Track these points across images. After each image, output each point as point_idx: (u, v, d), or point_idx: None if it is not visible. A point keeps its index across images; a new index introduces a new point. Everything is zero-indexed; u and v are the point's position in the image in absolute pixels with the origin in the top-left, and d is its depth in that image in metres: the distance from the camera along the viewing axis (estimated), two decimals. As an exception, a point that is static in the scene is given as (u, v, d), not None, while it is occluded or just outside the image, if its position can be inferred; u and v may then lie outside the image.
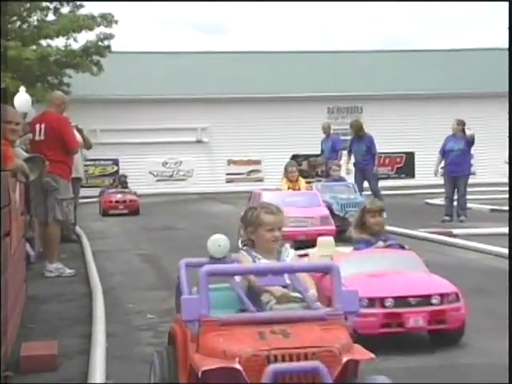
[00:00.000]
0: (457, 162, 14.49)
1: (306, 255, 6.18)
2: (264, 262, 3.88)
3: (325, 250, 6.08)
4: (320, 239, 6.41)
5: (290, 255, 4.02)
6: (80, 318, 6.37)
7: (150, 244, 11.82)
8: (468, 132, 14.48)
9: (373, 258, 5.75)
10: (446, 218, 14.28)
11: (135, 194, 18.58)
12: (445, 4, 61.09)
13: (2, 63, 18.92)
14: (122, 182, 19.39)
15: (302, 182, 12.16)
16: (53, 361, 4.85)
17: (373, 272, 5.51)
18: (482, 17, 65.68)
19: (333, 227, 10.27)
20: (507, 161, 15.66)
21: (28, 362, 4.75)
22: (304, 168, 15.90)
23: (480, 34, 61.91)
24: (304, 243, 8.55)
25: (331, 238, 6.52)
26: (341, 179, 13.33)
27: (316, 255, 6.09)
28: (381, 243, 5.97)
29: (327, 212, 10.75)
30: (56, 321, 6.32)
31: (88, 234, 12.25)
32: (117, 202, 17.59)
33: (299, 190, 11.84)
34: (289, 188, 11.90)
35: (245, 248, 4.09)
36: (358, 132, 15.07)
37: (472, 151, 14.93)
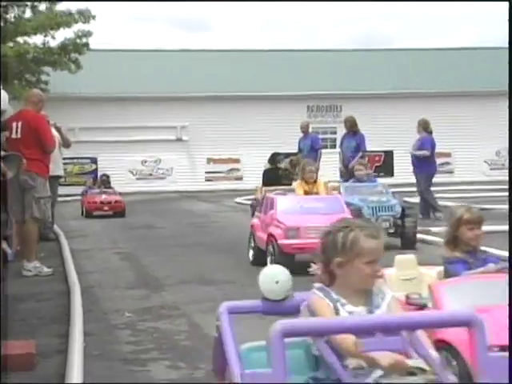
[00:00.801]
0: (414, 162, 14.68)
1: None
2: (361, 313, 2.77)
3: (406, 271, 5.01)
4: (399, 257, 5.22)
5: (386, 299, 2.85)
6: (58, 316, 6.32)
7: (129, 242, 11.77)
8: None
9: (487, 287, 4.31)
10: (419, 215, 14.39)
11: (120, 194, 17.74)
12: (425, 4, 61.42)
13: None
14: (104, 181, 18.57)
15: (321, 183, 10.10)
16: (30, 360, 4.81)
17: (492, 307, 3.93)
18: (461, 16, 66.11)
19: None
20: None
21: (5, 361, 4.70)
22: (285, 167, 15.76)
23: (459, 33, 62.30)
24: None
25: (413, 256, 5.31)
26: (369, 179, 11.93)
27: (394, 278, 4.90)
28: (492, 265, 4.61)
29: None
30: (33, 320, 6.27)
31: (66, 233, 12.18)
32: (101, 202, 16.70)
33: (317, 193, 9.79)
34: (306, 192, 9.82)
35: (318, 286, 2.89)
36: (353, 127, 15.07)
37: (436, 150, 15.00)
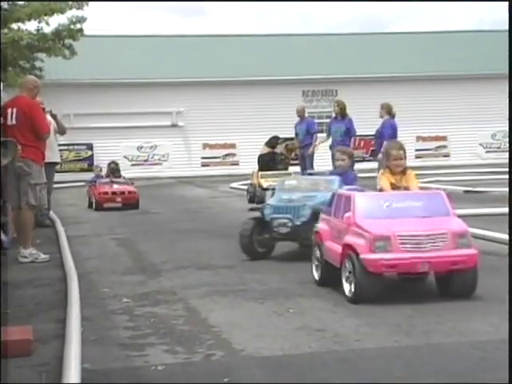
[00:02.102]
0: (375, 146, 14.66)
1: None
2: None
3: None
4: None
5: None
6: (55, 302, 6.33)
7: (126, 228, 11.78)
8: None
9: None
10: None
11: (132, 183, 15.85)
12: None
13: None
14: (113, 169, 16.65)
15: (412, 175, 7.11)
16: (28, 346, 4.82)
17: None
18: (457, 0, 65.78)
19: (474, 251, 6.17)
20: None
21: (3, 347, 4.71)
22: (281, 151, 15.75)
23: (455, 16, 62.10)
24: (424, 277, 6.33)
25: None
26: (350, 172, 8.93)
27: None
28: None
29: (464, 226, 6.31)
30: (31, 306, 6.28)
31: (62, 219, 12.18)
32: (113, 193, 14.87)
33: (407, 188, 6.97)
34: (392, 186, 6.99)
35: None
36: (343, 111, 15.09)
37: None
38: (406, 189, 6.88)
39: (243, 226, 8.48)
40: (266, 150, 16.07)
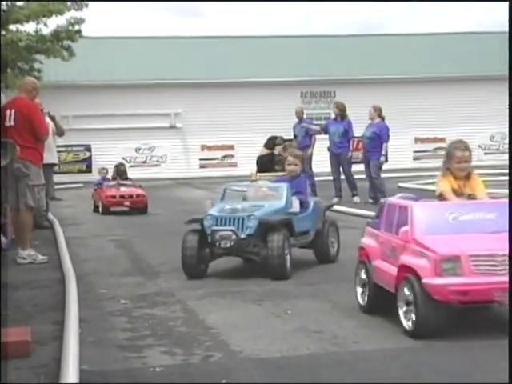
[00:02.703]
0: (367, 148, 14.59)
1: None
2: None
3: None
4: None
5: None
6: (53, 304, 6.34)
7: (124, 230, 11.77)
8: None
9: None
10: (370, 200, 14.38)
11: (140, 186, 14.97)
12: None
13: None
14: (120, 171, 15.59)
15: (478, 179, 6.01)
16: (26, 347, 4.82)
17: None
18: (456, 2, 65.85)
19: None
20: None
21: (1, 349, 4.71)
22: (279, 152, 15.60)
23: (453, 18, 62.17)
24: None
25: None
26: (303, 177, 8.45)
27: None
28: None
29: None
30: (29, 307, 6.29)
31: (61, 221, 12.17)
32: (121, 196, 14.08)
33: (472, 197, 5.84)
34: (455, 192, 5.86)
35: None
36: (343, 112, 15.11)
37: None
38: (472, 197, 5.77)
39: (183, 241, 7.51)
40: (265, 151, 16.00)
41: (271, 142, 14.97)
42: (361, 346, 4.84)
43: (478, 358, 4.58)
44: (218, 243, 7.38)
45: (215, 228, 7.39)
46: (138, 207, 14.10)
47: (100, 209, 14.19)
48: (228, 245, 7.36)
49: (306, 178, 8.38)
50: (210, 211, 7.61)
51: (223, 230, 7.37)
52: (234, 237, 7.34)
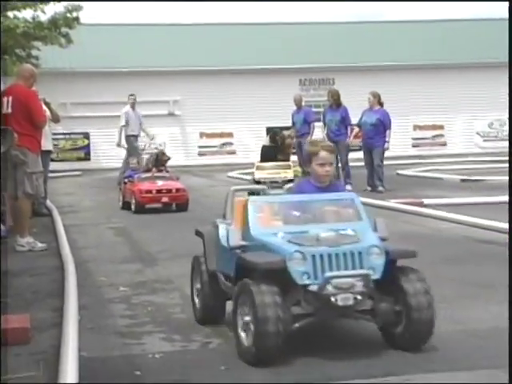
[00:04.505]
0: (370, 135, 14.47)
1: None
2: None
3: None
4: None
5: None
6: (52, 291, 6.34)
7: (123, 217, 11.77)
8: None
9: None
10: (368, 187, 14.33)
11: (177, 178, 13.04)
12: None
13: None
14: (159, 161, 13.60)
15: None
16: (25, 334, 4.83)
17: None
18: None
19: None
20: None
21: (0, 335, 4.72)
22: (281, 143, 15.44)
23: (451, 5, 61.97)
24: None
25: None
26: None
27: None
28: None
29: None
30: (28, 294, 6.29)
31: (59, 208, 12.17)
32: (158, 191, 12.07)
33: None
34: None
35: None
36: (338, 100, 15.07)
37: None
38: None
39: (259, 304, 4.15)
40: (269, 143, 15.92)
41: (273, 136, 14.86)
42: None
43: (479, 344, 4.58)
44: (332, 299, 4.23)
45: (329, 275, 4.24)
46: (178, 203, 12.14)
47: (133, 206, 12.09)
48: (351, 302, 4.25)
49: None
50: (272, 241, 4.46)
51: (343, 277, 4.26)
52: (359, 287, 4.27)
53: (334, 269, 4.27)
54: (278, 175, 13.88)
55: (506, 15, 7.95)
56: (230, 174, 20.47)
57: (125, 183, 12.84)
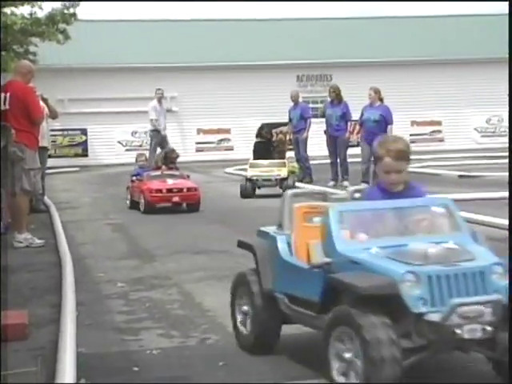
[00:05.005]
0: (373, 131, 14.39)
1: None
2: None
3: None
4: None
5: None
6: (50, 287, 6.34)
7: (121, 214, 11.76)
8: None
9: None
10: (364, 184, 14.23)
11: (188, 177, 12.49)
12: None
13: None
14: (168, 158, 12.90)
15: None
16: (23, 330, 4.83)
17: None
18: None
19: None
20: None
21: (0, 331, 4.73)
22: (279, 138, 15.17)
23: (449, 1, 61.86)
24: None
25: None
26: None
27: None
28: None
29: None
30: (26, 290, 6.29)
31: (57, 204, 12.16)
32: (169, 190, 11.46)
33: None
34: None
35: None
36: (339, 96, 15.10)
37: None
38: None
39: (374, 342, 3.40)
40: (258, 138, 15.66)
41: (263, 132, 14.62)
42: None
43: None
44: (458, 331, 3.48)
45: (457, 302, 3.48)
46: (189, 203, 11.54)
47: (142, 206, 11.51)
48: (479, 334, 3.52)
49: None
50: (390, 265, 3.62)
51: (470, 304, 3.51)
52: (488, 316, 3.53)
53: (454, 293, 3.52)
54: (272, 173, 13.48)
55: (506, 11, 7.97)
56: (228, 170, 20.47)
57: (132, 181, 12.26)
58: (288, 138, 15.20)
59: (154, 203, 11.43)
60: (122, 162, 24.98)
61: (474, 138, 29.53)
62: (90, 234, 9.75)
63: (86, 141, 26.88)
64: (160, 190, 11.42)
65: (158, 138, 18.63)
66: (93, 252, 8.25)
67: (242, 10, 62.25)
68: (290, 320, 4.22)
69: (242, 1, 53.97)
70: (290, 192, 4.57)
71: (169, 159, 12.82)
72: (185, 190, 11.52)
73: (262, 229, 4.48)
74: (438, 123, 29.38)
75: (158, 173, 12.17)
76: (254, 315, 4.34)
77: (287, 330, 4.72)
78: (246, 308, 4.44)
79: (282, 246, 4.21)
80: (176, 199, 11.47)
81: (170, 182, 11.70)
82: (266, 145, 14.28)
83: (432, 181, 15.67)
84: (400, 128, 27.22)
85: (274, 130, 14.84)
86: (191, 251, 8.02)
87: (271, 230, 4.41)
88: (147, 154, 16.28)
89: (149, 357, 4.44)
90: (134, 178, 12.32)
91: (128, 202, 12.25)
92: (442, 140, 29.39)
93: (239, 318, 4.51)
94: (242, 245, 4.64)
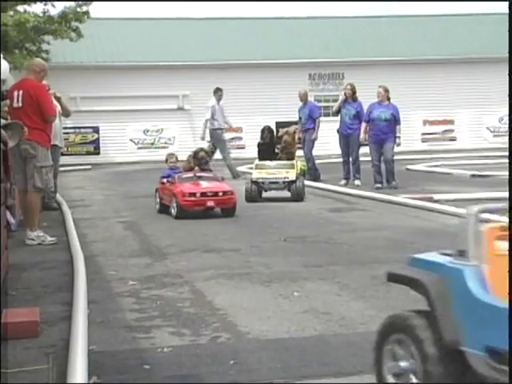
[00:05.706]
0: (384, 130, 14.32)
1: None
2: None
3: None
4: None
5: None
6: (62, 285, 6.36)
7: (132, 211, 11.79)
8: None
9: None
10: (378, 185, 14.17)
11: (223, 179, 11.55)
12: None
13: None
14: (201, 159, 11.61)
15: None
16: (35, 327, 4.85)
17: None
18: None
19: None
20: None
21: (10, 329, 4.74)
22: (286, 139, 14.88)
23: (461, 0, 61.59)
24: None
25: None
26: None
27: None
28: None
29: None
30: (38, 288, 6.31)
31: (69, 202, 12.20)
32: (203, 194, 10.62)
33: None
34: None
35: None
36: (354, 94, 15.10)
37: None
38: None
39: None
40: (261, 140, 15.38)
41: (265, 136, 14.36)
42: (368, 328, 4.84)
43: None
44: None
45: None
46: (224, 208, 10.75)
47: (174, 211, 10.65)
48: None
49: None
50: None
51: None
52: None
53: None
54: (279, 175, 12.86)
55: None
56: (239, 168, 20.46)
57: (162, 183, 11.43)
58: (297, 137, 15.05)
59: (188, 208, 10.56)
60: (134, 160, 25.07)
61: (486, 138, 29.42)
62: (101, 231, 9.77)
63: (98, 139, 26.95)
64: (193, 194, 10.60)
65: (218, 137, 18.03)
66: (104, 250, 8.27)
67: (254, 9, 62.23)
68: (483, 379, 3.08)
69: (254, 0, 53.92)
70: (475, 209, 3.40)
71: (200, 159, 11.68)
72: (220, 194, 10.67)
73: (427, 257, 3.44)
74: (451, 122, 29.28)
75: (190, 175, 11.26)
76: (424, 373, 3.23)
77: (296, 330, 4.73)
78: (405, 364, 3.36)
79: (473, 282, 3.19)
80: (211, 204, 10.64)
81: (204, 184, 10.86)
82: (269, 146, 14.02)
83: (444, 180, 15.66)
84: (412, 127, 27.29)
85: (280, 131, 14.54)
86: (202, 249, 8.02)
87: (444, 259, 3.39)
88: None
89: (160, 355, 4.45)
90: (164, 179, 11.49)
91: (157, 205, 11.46)
92: (454, 139, 29.29)
93: (387, 373, 3.45)
94: (396, 278, 3.56)
